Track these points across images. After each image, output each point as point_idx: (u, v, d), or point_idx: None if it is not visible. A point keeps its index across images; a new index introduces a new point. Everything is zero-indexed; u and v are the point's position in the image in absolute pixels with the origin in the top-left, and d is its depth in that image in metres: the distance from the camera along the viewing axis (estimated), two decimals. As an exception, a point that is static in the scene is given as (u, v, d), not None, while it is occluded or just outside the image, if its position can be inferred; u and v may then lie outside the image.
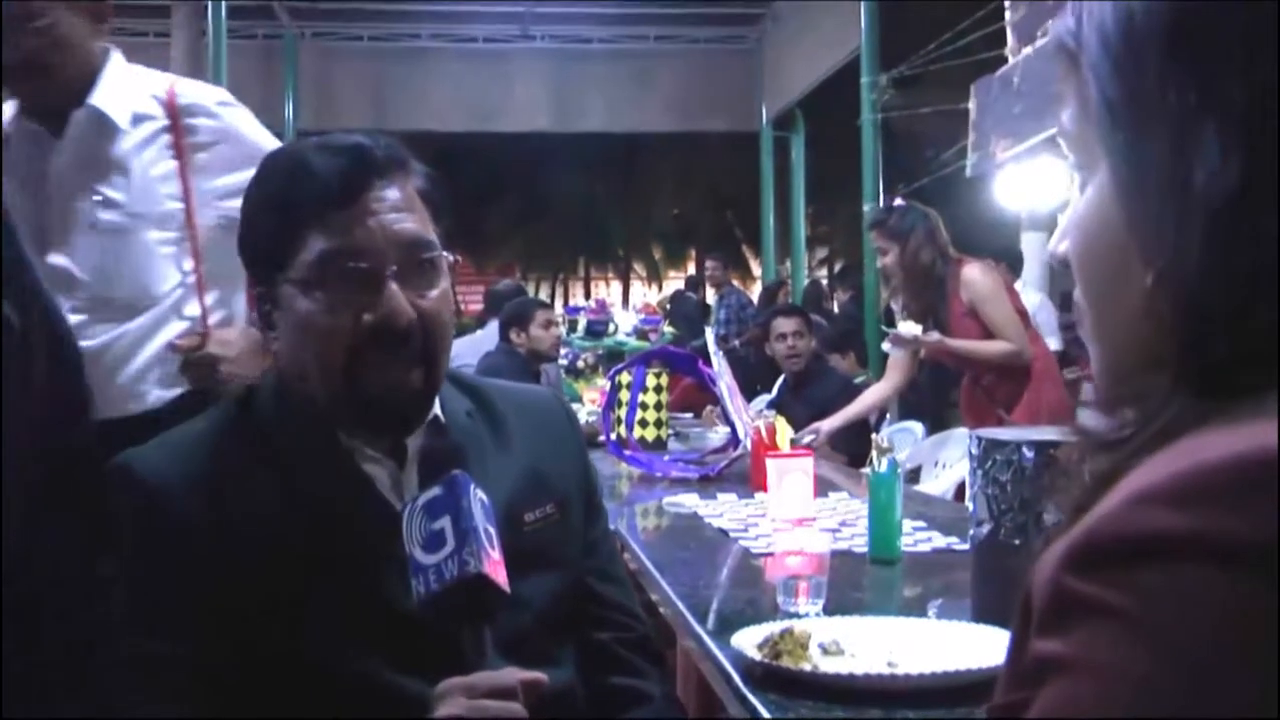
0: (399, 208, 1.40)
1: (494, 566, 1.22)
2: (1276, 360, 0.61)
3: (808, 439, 4.36)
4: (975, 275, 4.32)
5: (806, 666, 1.50)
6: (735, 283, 13.08)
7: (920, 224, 4.47)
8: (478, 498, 1.27)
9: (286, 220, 1.39)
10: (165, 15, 11.47)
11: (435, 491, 1.27)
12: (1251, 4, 0.63)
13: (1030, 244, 8.93)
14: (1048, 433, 1.74)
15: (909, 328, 4.36)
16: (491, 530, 1.26)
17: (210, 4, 10.62)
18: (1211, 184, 0.62)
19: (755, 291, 14.62)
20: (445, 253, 1.44)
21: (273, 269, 1.41)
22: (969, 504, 1.86)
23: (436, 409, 1.48)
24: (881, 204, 9.58)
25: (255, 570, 1.35)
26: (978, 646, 1.55)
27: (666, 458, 4.00)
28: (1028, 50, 5.95)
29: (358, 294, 1.37)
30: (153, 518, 1.36)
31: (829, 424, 4.64)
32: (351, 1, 12.41)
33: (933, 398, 5.92)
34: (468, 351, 6.09)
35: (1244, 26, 0.63)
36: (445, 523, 1.24)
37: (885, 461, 2.32)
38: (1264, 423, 0.58)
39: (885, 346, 4.75)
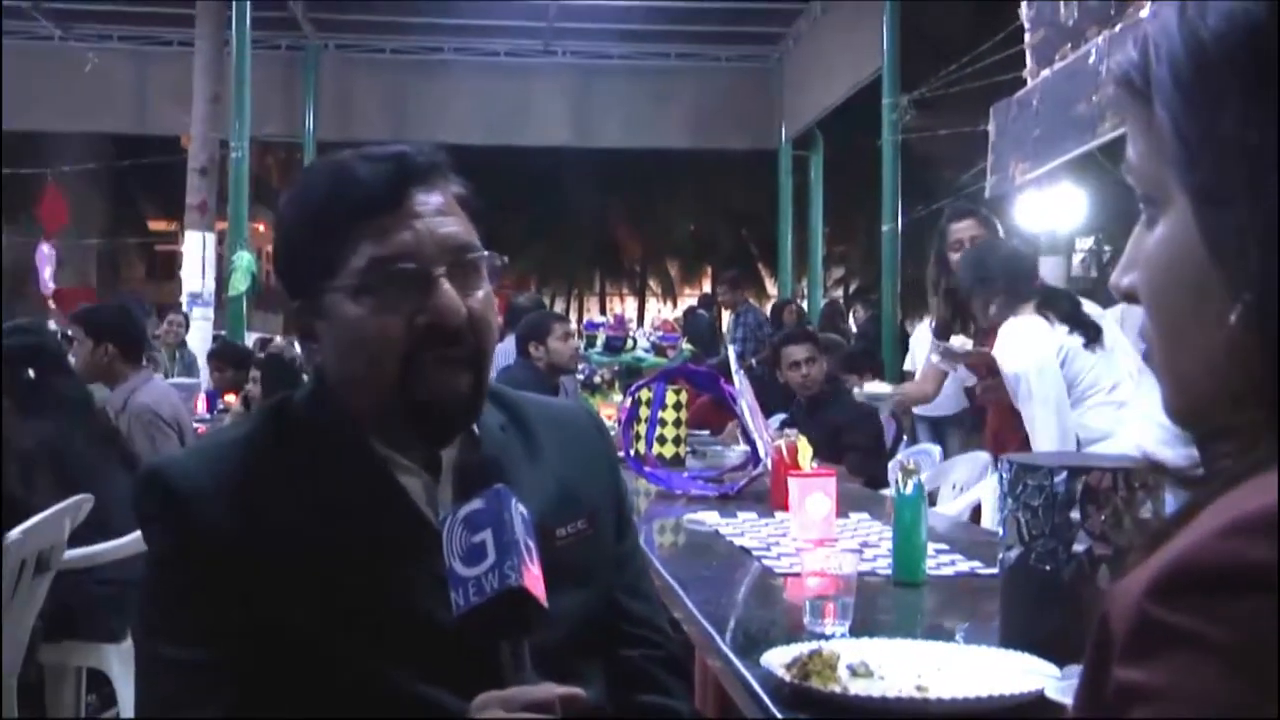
0: (443, 211, 1.42)
1: (534, 581, 1.22)
2: None
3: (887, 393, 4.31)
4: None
5: (836, 688, 1.50)
6: (751, 300, 13.07)
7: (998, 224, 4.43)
8: (519, 511, 1.27)
9: (332, 228, 1.40)
10: (189, 24, 11.55)
11: (477, 504, 1.27)
12: None
13: (1047, 268, 8.92)
14: (1080, 459, 1.74)
15: (962, 342, 4.32)
16: (531, 544, 1.26)
17: (234, 14, 10.66)
18: None
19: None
20: (490, 254, 1.45)
21: (316, 279, 1.41)
22: (998, 528, 1.85)
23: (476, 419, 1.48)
24: (899, 222, 9.62)
25: (286, 579, 1.35)
26: (1008, 672, 1.55)
27: (685, 475, 4.00)
28: (1046, 73, 5.95)
29: (409, 296, 1.38)
30: (182, 524, 1.37)
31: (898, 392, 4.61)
32: (375, 14, 12.46)
33: (960, 425, 5.88)
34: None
35: None
36: (486, 535, 1.24)
37: (910, 483, 2.32)
38: None
39: (934, 359, 4.68)
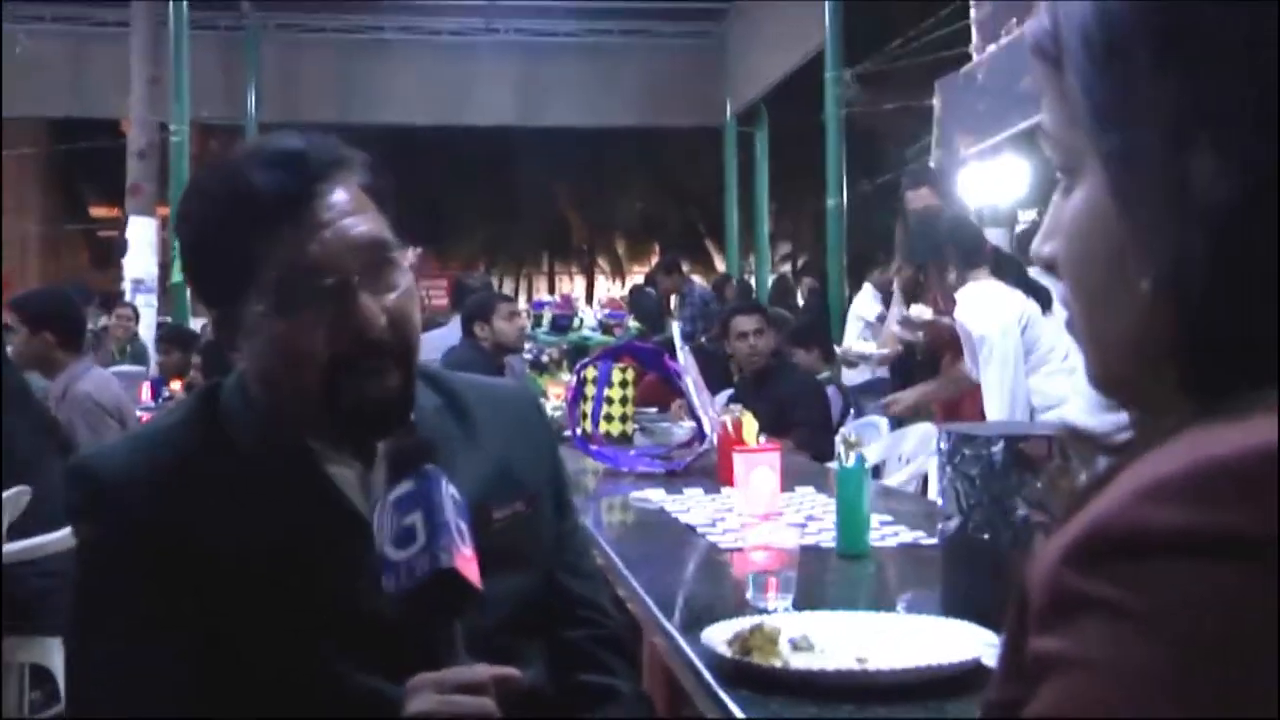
0: (349, 211, 1.35)
1: (465, 562, 1.21)
2: (1276, 359, 0.61)
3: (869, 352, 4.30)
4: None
5: (777, 663, 1.50)
6: (697, 278, 13.08)
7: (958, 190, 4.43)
8: (449, 493, 1.26)
9: (233, 245, 1.33)
10: (124, 3, 11.36)
11: (406, 487, 1.26)
12: (1247, 2, 0.63)
13: (993, 240, 8.97)
14: (1018, 428, 1.75)
15: (921, 311, 4.33)
16: (464, 526, 1.25)
17: (170, -6, 10.50)
18: (1211, 190, 0.62)
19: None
20: (405, 246, 1.41)
21: (229, 295, 1.36)
22: (938, 498, 1.86)
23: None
24: (845, 197, 9.65)
25: (217, 572, 1.32)
26: (948, 641, 1.55)
27: (632, 453, 3.99)
28: (992, 48, 5.98)
29: (326, 310, 1.32)
30: (111, 517, 1.34)
31: (914, 395, 4.58)
32: (314, -7, 12.33)
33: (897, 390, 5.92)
34: (430, 347, 6.06)
35: (1240, 26, 0.62)
36: (416, 518, 1.22)
37: (853, 456, 2.33)
38: (1269, 418, 0.58)
39: (895, 329, 4.69)
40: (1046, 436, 1.68)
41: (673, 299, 10.55)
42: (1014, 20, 5.72)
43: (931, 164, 7.01)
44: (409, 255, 1.45)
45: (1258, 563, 0.54)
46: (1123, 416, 0.73)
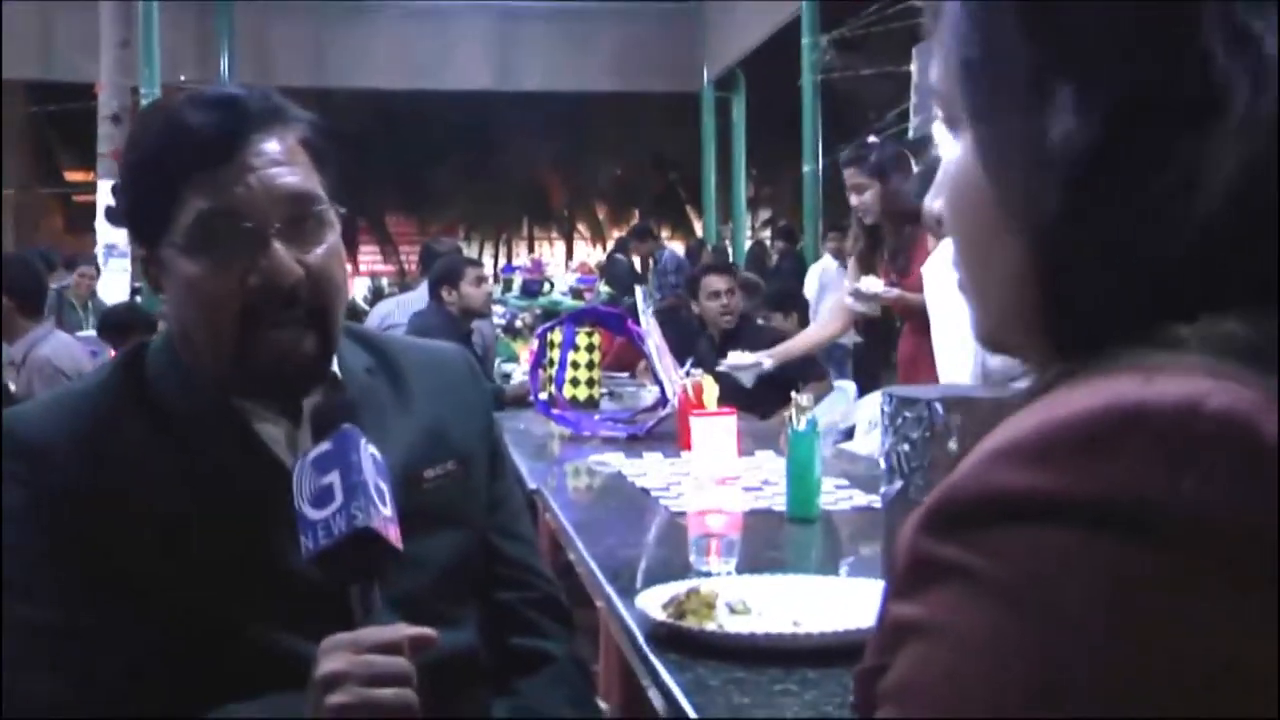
0: (279, 161, 1.34)
1: (384, 522, 1.19)
2: (1138, 319, 0.60)
3: (763, 364, 4.33)
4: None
5: (711, 626, 1.49)
6: (676, 244, 13.08)
7: (901, 161, 4.41)
8: (368, 452, 1.24)
9: (161, 181, 1.33)
10: (92, -35, 11.22)
11: (325, 446, 1.24)
12: None
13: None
14: (958, 390, 1.74)
15: (871, 283, 4.32)
16: (384, 486, 1.23)
17: (139, -46, 10.38)
18: (1067, 145, 0.61)
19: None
20: (332, 205, 1.39)
21: (153, 232, 1.35)
22: (881, 461, 1.85)
23: (334, 365, 1.44)
24: (820, 163, 9.63)
25: (140, 532, 1.31)
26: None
27: (596, 417, 3.98)
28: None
29: (240, 255, 1.31)
30: (32, 478, 1.32)
31: (776, 354, 4.59)
32: (288, -45, 12.20)
33: (870, 356, 5.93)
34: (398, 311, 6.03)
35: None
36: (334, 477, 1.21)
37: (804, 420, 2.31)
38: (1117, 377, 0.57)
39: (848, 302, 4.69)
40: (990, 399, 1.67)
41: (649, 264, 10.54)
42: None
43: (910, 131, 6.99)
44: (336, 215, 1.42)
45: (1100, 524, 0.53)
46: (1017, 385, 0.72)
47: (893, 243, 4.35)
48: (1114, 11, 0.61)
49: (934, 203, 0.74)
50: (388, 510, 1.22)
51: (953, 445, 1.66)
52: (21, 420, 1.39)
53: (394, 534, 1.21)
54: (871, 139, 4.89)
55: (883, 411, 1.78)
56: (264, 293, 1.31)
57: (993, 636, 0.54)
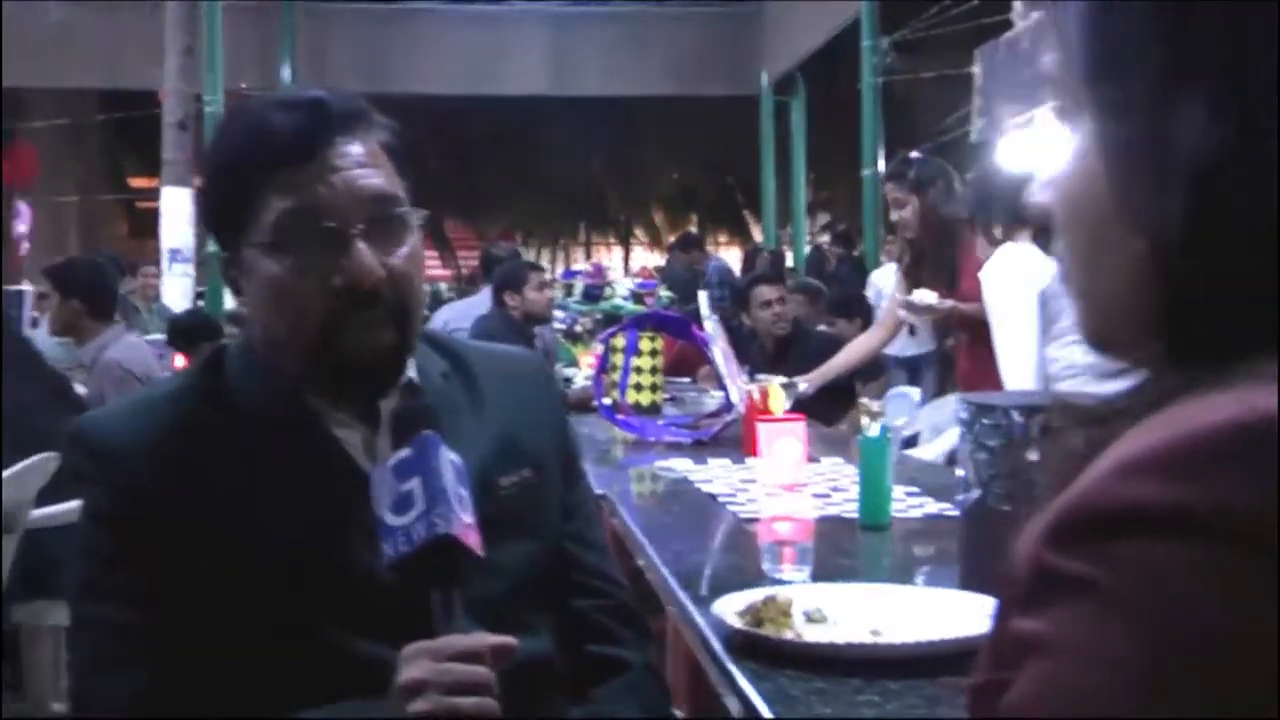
0: (363, 163, 1.35)
1: (465, 529, 1.19)
2: (1267, 327, 0.58)
3: (799, 387, 4.30)
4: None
5: (788, 635, 1.47)
6: (723, 253, 13.05)
7: (940, 176, 4.39)
8: (449, 459, 1.24)
9: (245, 181, 1.34)
10: (159, -25, 11.38)
11: (405, 453, 1.24)
12: None
13: (1032, 209, 8.87)
14: (1039, 397, 1.71)
15: (924, 295, 4.29)
16: (464, 493, 1.23)
17: (205, -34, 10.53)
18: (1196, 147, 0.59)
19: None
20: (412, 209, 1.40)
21: (235, 233, 1.36)
22: (959, 470, 1.83)
23: (411, 371, 1.44)
24: (881, 167, 9.56)
25: (218, 537, 1.31)
26: (963, 614, 1.52)
27: (660, 422, 3.97)
28: (1036, 14, 5.88)
29: (324, 255, 1.32)
30: (110, 482, 1.33)
31: (816, 377, 4.58)
32: (348, -37, 12.32)
33: (940, 368, 5.88)
34: (460, 316, 6.05)
35: None
36: (415, 484, 1.20)
37: (876, 426, 2.29)
38: (1251, 390, 0.55)
39: (900, 314, 4.68)
40: (1072, 405, 1.64)
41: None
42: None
43: (973, 134, 6.92)
44: (418, 218, 1.43)
45: (1233, 540, 0.52)
46: (1121, 386, 0.70)
47: (935, 257, 4.33)
48: (1249, 13, 0.59)
49: (1040, 196, 0.72)
50: (468, 517, 1.21)
51: (1031, 453, 1.64)
52: (100, 424, 1.40)
53: (475, 541, 1.21)
54: (914, 154, 4.86)
55: (959, 419, 1.75)
56: (347, 292, 1.32)
57: (1119, 654, 0.53)
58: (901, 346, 5.49)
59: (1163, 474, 0.54)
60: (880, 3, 9.50)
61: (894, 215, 4.54)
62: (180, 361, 7.37)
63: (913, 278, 4.49)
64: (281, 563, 1.32)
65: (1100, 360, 0.72)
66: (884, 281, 6.69)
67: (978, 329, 4.18)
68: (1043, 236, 3.97)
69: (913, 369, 6.27)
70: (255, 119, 1.36)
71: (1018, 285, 3.91)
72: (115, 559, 1.33)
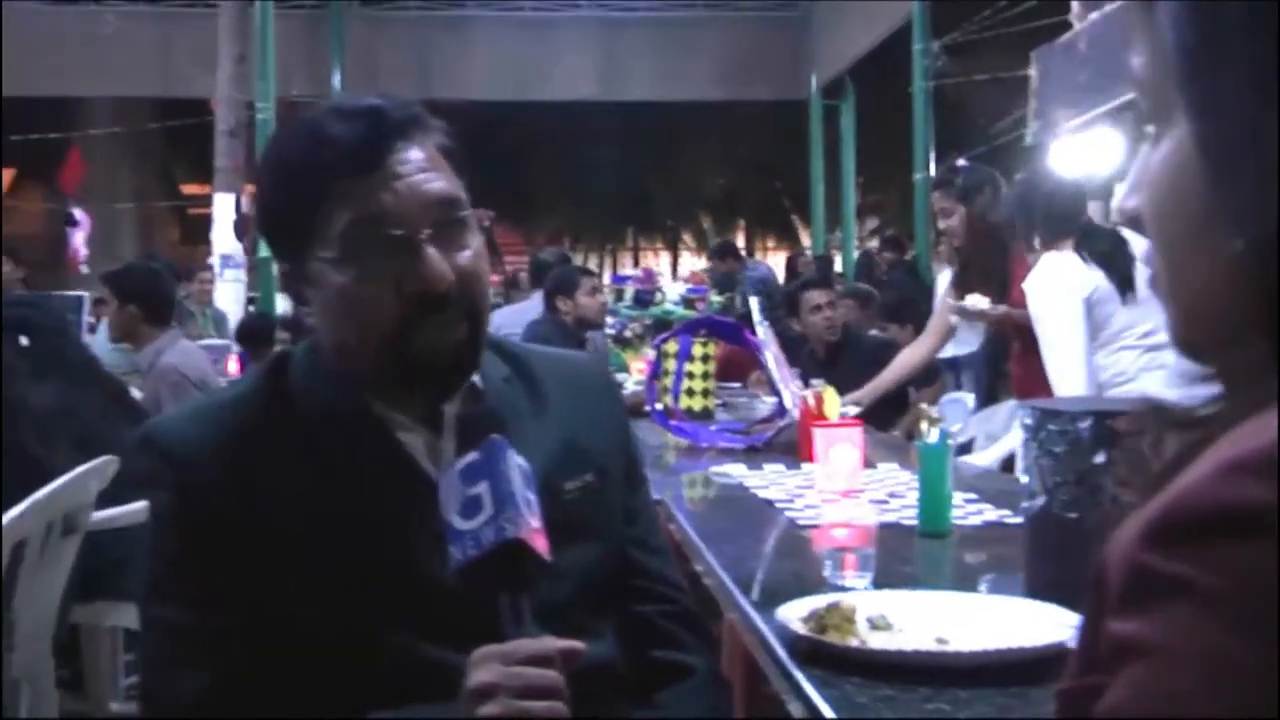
0: (423, 168, 1.35)
1: (533, 533, 1.19)
2: None
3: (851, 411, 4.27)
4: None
5: (853, 642, 1.46)
6: (770, 256, 13.01)
7: (988, 183, 4.36)
8: (516, 463, 1.24)
9: (306, 194, 1.34)
10: (213, -16, 11.52)
11: (473, 456, 1.24)
12: None
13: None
14: (1105, 403, 1.68)
15: (977, 300, 4.26)
16: (531, 497, 1.23)
17: (257, -27, 10.64)
18: None
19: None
20: (476, 211, 1.40)
21: (299, 245, 1.36)
22: (1022, 476, 1.81)
23: (474, 375, 1.45)
24: (932, 171, 9.50)
25: (284, 540, 1.32)
26: (1031, 623, 1.50)
27: (713, 428, 3.96)
28: (1094, 15, 5.81)
29: (393, 261, 1.32)
30: (178, 486, 1.34)
31: (866, 394, 4.55)
32: (398, -30, 12.40)
33: (985, 370, 5.83)
34: (512, 321, 6.07)
35: None
36: (483, 488, 1.20)
37: (936, 432, 2.27)
38: None
39: (952, 320, 4.65)
40: (1136, 411, 1.62)
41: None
42: (1120, -18, 5.54)
43: (1028, 137, 6.86)
44: (481, 218, 1.43)
45: None
46: (1208, 390, 0.69)
47: (982, 265, 4.30)
48: None
49: (1127, 200, 0.71)
50: (536, 521, 1.21)
51: (1099, 460, 1.62)
52: (168, 428, 1.42)
53: (542, 545, 1.21)
54: (960, 161, 4.82)
55: (1024, 425, 1.73)
56: (418, 298, 1.32)
57: (1223, 657, 0.52)
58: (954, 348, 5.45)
59: (1265, 475, 0.53)
60: (932, 4, 9.43)
61: (941, 224, 4.52)
62: (234, 365, 7.48)
63: (962, 286, 4.47)
64: (347, 566, 1.33)
65: (1185, 365, 0.70)
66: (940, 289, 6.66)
67: (1030, 336, 4.14)
68: (1083, 247, 3.94)
69: (954, 369, 6.23)
70: (313, 130, 1.36)
71: (1060, 295, 3.88)
72: (182, 561, 1.34)
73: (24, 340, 3.54)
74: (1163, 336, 4.05)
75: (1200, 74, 0.62)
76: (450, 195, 1.36)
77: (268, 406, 1.40)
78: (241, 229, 10.94)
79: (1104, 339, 3.91)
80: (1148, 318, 3.88)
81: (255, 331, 5.69)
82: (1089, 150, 7.49)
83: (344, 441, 1.38)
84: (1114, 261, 3.91)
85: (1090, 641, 0.62)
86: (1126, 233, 4.13)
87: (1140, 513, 0.57)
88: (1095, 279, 3.88)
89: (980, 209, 4.33)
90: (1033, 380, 4.18)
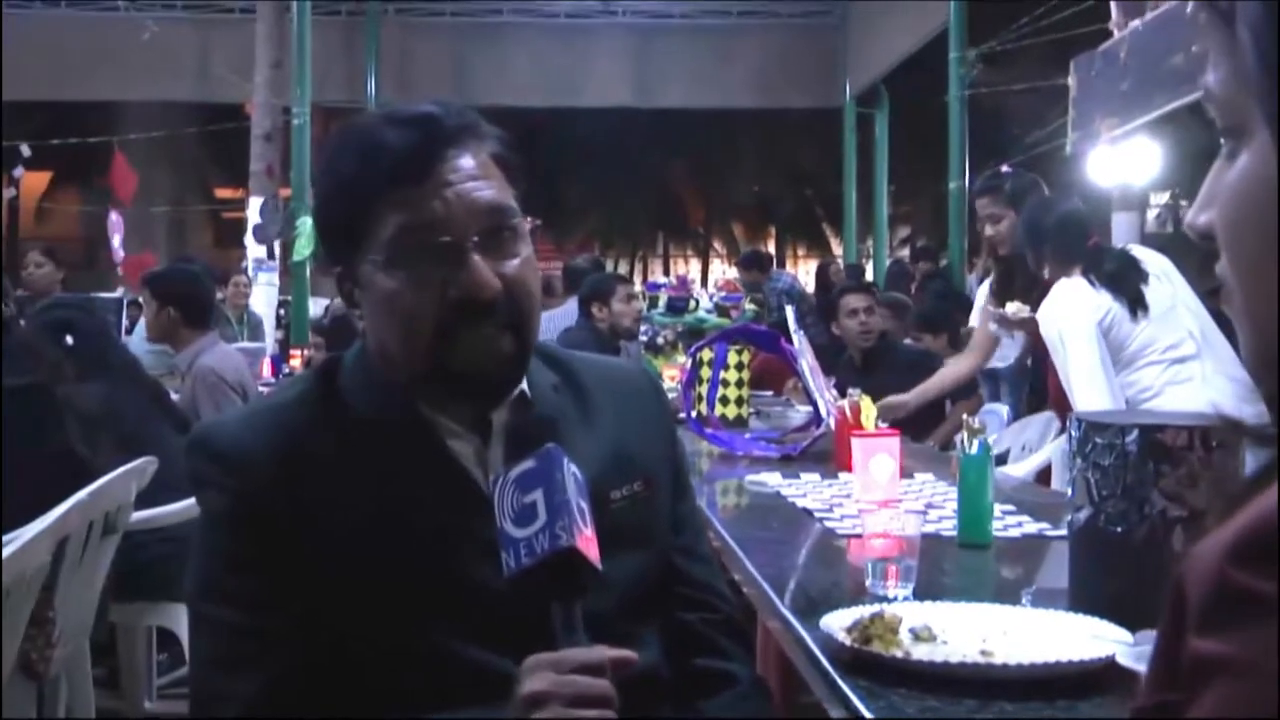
0: (475, 176, 1.37)
1: (586, 542, 1.20)
2: None
3: (890, 414, 4.26)
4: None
5: (898, 652, 1.46)
6: (787, 269, 12.99)
7: (1035, 189, 4.33)
8: (571, 472, 1.24)
9: (361, 199, 1.36)
10: (251, -9, 11.60)
11: (528, 464, 1.25)
12: None
13: (1121, 224, 8.73)
14: (1153, 416, 1.68)
15: (1017, 309, 4.25)
16: (584, 505, 1.24)
17: (295, -20, 10.72)
18: None
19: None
20: (526, 218, 1.41)
21: (351, 249, 1.39)
22: (1067, 488, 1.80)
23: (523, 383, 1.46)
24: (967, 181, 9.47)
25: (335, 543, 1.33)
26: (1077, 637, 1.50)
27: (748, 436, 3.96)
28: (1135, 24, 5.76)
29: (440, 268, 1.34)
30: (230, 488, 1.36)
31: (911, 398, 4.53)
32: (434, -23, 12.44)
33: (1021, 381, 5.81)
34: (547, 328, 6.08)
35: None
36: (538, 496, 1.21)
37: (976, 443, 2.27)
38: None
39: (992, 328, 4.63)
40: (1186, 427, 1.61)
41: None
42: (1163, -6, 5.49)
43: (1069, 146, 6.82)
44: (528, 226, 1.44)
45: None
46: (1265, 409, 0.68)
47: (1027, 273, 4.26)
48: None
49: (1199, 217, 0.70)
50: (589, 530, 1.22)
51: (1148, 474, 1.61)
52: (221, 430, 1.43)
53: (595, 554, 1.21)
54: (1005, 168, 4.79)
55: (1070, 436, 1.73)
56: (464, 305, 1.34)
57: None
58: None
59: None
60: (967, 14, 9.39)
61: (989, 229, 4.47)
62: (267, 369, 7.52)
63: (1004, 294, 4.44)
64: (396, 569, 1.34)
65: (1235, 383, 0.69)
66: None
67: None
68: (1090, 270, 3.93)
69: (993, 381, 6.20)
70: (368, 136, 1.38)
71: (1072, 321, 3.86)
72: (235, 562, 1.35)
73: (69, 340, 3.57)
74: (1187, 349, 4.02)
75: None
76: (500, 204, 1.38)
77: (319, 410, 1.42)
78: (262, 233, 11.01)
79: (1126, 358, 3.89)
80: (1169, 333, 3.86)
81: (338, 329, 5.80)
82: (1126, 160, 7.45)
83: (394, 446, 1.40)
84: (1123, 282, 3.89)
85: (1166, 659, 0.61)
86: (1137, 251, 4.13)
87: (1221, 531, 0.56)
88: (1105, 302, 3.86)
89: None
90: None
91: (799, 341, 3.78)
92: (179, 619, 3.60)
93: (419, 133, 1.36)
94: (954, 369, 4.86)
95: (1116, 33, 6.00)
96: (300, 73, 10.74)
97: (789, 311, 4.28)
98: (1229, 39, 0.65)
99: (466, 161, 1.37)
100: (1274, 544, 0.54)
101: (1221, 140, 0.68)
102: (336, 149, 1.45)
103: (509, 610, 1.26)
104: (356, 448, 1.39)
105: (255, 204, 11.28)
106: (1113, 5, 6.07)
